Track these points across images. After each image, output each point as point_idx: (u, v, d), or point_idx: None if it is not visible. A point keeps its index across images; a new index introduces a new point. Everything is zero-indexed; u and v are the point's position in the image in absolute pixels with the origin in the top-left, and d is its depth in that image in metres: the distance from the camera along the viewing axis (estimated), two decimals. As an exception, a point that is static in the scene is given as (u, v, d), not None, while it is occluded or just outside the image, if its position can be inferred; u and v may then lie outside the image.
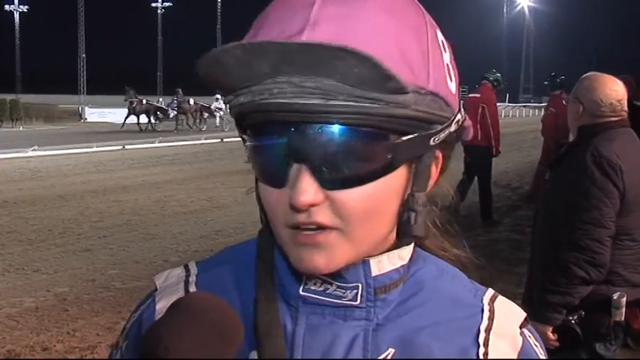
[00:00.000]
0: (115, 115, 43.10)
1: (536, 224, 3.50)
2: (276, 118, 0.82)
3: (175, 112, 35.63)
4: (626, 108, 3.31)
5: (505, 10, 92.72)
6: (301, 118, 0.81)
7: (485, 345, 0.94)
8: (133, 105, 34.83)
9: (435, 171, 0.94)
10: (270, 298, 0.94)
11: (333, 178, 0.83)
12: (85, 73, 59.65)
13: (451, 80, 0.92)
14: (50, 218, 11.32)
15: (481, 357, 0.93)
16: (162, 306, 0.99)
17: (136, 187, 14.75)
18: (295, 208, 0.84)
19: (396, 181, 0.87)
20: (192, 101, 36.04)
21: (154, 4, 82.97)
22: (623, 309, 3.12)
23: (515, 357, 0.94)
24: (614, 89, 3.27)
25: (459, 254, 1.06)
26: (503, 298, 1.01)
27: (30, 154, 21.27)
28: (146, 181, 15.10)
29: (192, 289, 1.01)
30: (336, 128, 0.81)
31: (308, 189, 0.82)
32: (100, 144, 24.16)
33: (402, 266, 0.96)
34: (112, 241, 9.76)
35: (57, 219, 11.25)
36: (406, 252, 0.96)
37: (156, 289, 1.04)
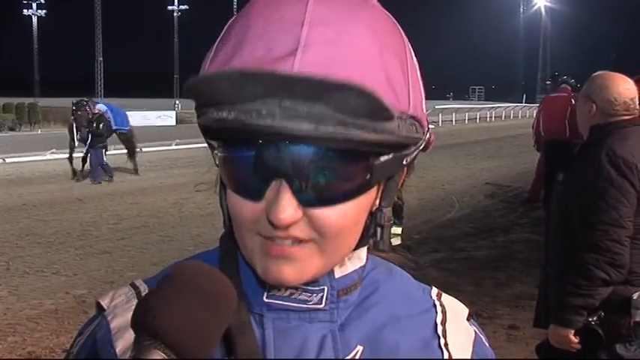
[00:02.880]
0: (132, 117, 43.15)
1: (550, 226, 3.47)
2: (261, 138, 0.81)
3: None
4: (638, 106, 3.29)
5: (522, 9, 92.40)
6: (289, 140, 0.81)
7: (444, 336, 0.99)
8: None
9: (399, 183, 0.97)
10: (238, 302, 0.92)
11: (313, 196, 0.83)
12: (102, 76, 59.98)
13: (424, 100, 0.94)
14: (69, 221, 11.39)
15: (442, 347, 0.98)
16: (117, 324, 0.98)
17: (154, 189, 14.81)
18: (274, 225, 0.84)
19: (368, 198, 0.89)
20: None
21: (170, 7, 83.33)
22: (644, 309, 3.10)
23: (470, 347, 1.01)
24: (627, 88, 3.25)
25: (392, 254, 1.08)
26: (446, 294, 1.07)
27: (48, 157, 21.39)
28: (163, 184, 15.15)
29: None
30: (322, 150, 0.82)
31: (288, 207, 0.82)
32: (117, 147, 24.25)
33: (361, 267, 0.99)
34: (130, 243, 9.81)
35: (75, 221, 11.32)
36: (363, 252, 1.00)
37: (103, 310, 1.02)
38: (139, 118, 39.79)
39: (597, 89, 3.28)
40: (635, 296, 3.09)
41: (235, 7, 77.98)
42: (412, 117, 0.88)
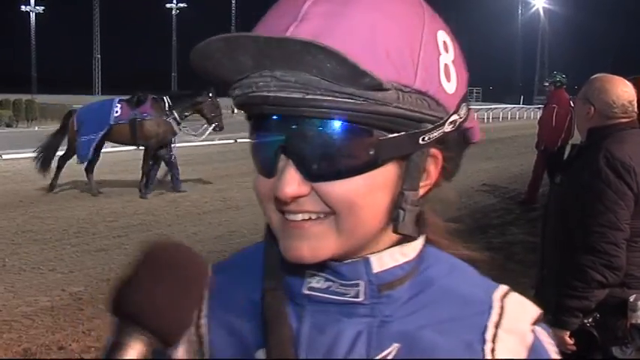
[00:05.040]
0: (130, 115, 43.15)
1: (546, 228, 3.48)
2: (263, 110, 0.87)
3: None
4: (636, 109, 3.30)
5: (520, 11, 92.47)
6: (283, 111, 0.85)
7: (493, 341, 0.93)
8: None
9: (433, 171, 0.95)
10: (277, 288, 0.96)
11: (316, 171, 0.86)
12: (100, 73, 59.98)
13: (448, 81, 0.91)
14: (65, 218, 11.38)
15: (487, 352, 0.93)
16: None
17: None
18: (280, 200, 0.87)
19: (381, 177, 0.89)
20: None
21: (168, 5, 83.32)
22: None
23: (524, 354, 0.94)
24: (625, 90, 3.26)
25: (472, 253, 1.07)
26: (517, 294, 1.01)
27: (45, 154, 21.34)
28: (160, 182, 15.12)
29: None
30: (320, 123, 0.84)
31: (291, 181, 0.86)
32: (114, 144, 24.20)
33: (406, 263, 0.96)
34: (126, 241, 9.80)
35: (72, 219, 11.31)
36: (410, 249, 0.97)
37: None
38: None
39: (596, 92, 3.28)
40: (631, 299, 3.10)
41: (234, 5, 78.02)
42: (420, 92, 0.87)
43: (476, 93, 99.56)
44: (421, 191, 0.94)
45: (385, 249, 0.95)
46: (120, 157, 18.58)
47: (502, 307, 0.97)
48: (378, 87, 0.81)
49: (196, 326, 1.01)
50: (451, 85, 0.91)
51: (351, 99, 0.82)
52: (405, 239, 0.95)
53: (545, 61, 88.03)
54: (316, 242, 0.89)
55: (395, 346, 0.93)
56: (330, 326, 0.94)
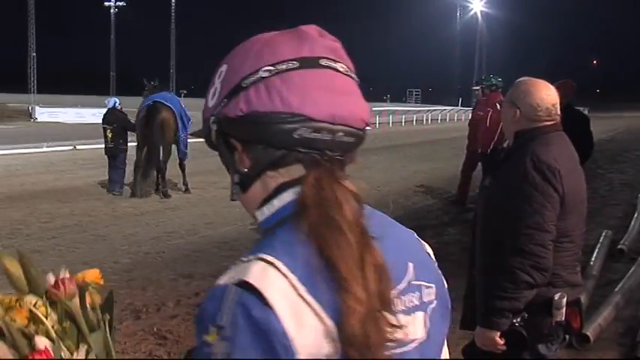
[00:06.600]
0: (66, 114, 42.45)
1: (476, 230, 3.53)
2: None
3: None
4: (559, 112, 3.37)
5: (458, 14, 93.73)
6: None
7: None
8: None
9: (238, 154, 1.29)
10: None
11: None
12: (35, 71, 58.69)
13: (212, 98, 1.30)
14: (-2, 219, 11.13)
15: None
16: None
17: (88, 187, 14.56)
18: None
19: None
20: None
21: (106, 3, 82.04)
22: (564, 309, 3.18)
23: None
24: (549, 94, 3.33)
25: None
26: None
27: (-22, 153, 20.86)
28: (98, 182, 14.91)
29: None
30: None
31: None
32: (50, 144, 23.80)
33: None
34: (61, 242, 9.64)
35: (5, 219, 11.06)
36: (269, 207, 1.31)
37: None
38: (73, 115, 39.11)
39: (521, 95, 3.34)
40: (556, 297, 3.17)
41: (173, 5, 77.27)
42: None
43: (415, 95, 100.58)
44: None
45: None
46: (56, 157, 18.21)
47: None
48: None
49: None
50: (213, 100, 1.30)
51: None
52: (264, 202, 1.27)
53: (482, 64, 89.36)
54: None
55: None
56: None
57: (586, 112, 15.34)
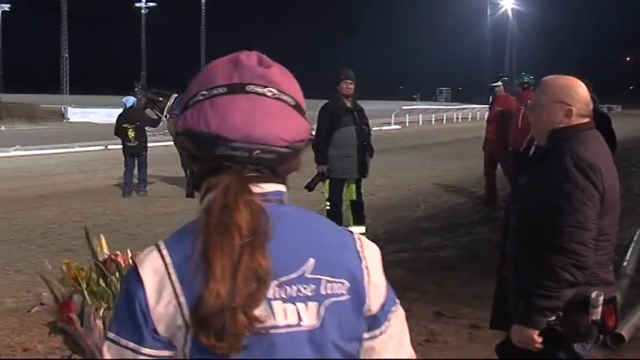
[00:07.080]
0: (98, 114, 42.81)
1: (508, 228, 3.49)
2: None
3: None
4: (591, 110, 3.34)
5: (489, 12, 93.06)
6: None
7: None
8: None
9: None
10: None
11: None
12: (67, 72, 59.23)
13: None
14: (32, 218, 11.27)
15: None
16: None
17: (119, 187, 14.66)
18: None
19: None
20: None
21: (137, 4, 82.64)
22: (600, 307, 3.15)
23: None
24: (585, 91, 3.31)
25: None
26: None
27: (12, 153, 21.17)
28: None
29: None
30: None
31: None
32: (82, 144, 24.04)
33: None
34: (94, 241, 9.68)
35: (39, 219, 11.20)
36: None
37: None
38: (105, 115, 39.42)
39: (570, 92, 3.26)
40: (593, 295, 3.14)
41: (203, 5, 77.67)
42: None
43: (445, 93, 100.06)
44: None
45: None
46: (88, 157, 18.40)
47: None
48: None
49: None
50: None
51: None
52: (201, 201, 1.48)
53: (513, 62, 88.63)
54: None
55: None
56: None
57: (604, 109, 15.19)
